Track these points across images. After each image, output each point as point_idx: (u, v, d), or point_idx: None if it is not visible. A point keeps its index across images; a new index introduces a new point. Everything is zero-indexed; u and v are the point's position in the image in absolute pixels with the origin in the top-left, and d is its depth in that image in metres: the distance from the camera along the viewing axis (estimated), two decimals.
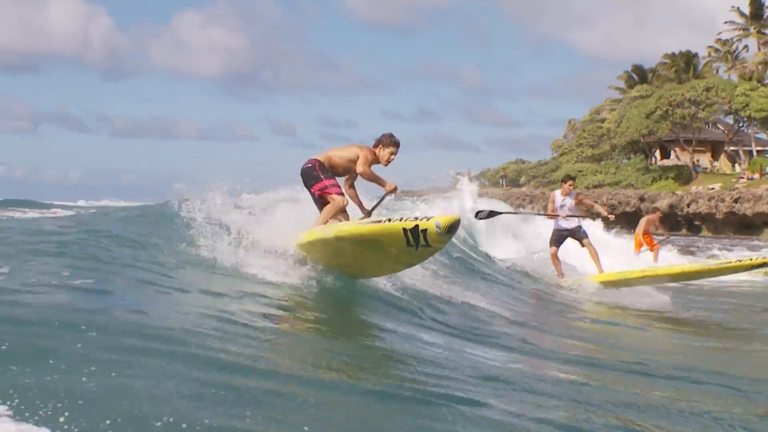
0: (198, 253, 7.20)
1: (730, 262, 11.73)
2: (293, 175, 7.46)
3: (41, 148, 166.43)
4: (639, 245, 16.60)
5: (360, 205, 7.63)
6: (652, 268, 12.86)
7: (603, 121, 64.11)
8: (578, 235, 12.37)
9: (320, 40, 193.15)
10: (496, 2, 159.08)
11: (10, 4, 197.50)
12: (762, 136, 57.55)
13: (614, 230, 18.95)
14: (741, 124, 54.70)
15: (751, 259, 11.34)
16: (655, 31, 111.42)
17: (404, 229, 5.62)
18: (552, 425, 3.66)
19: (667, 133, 55.14)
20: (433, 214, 5.63)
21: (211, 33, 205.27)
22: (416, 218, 5.63)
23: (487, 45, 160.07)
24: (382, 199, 7.47)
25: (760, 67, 55.31)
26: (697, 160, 56.85)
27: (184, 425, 2.99)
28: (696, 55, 62.06)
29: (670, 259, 16.53)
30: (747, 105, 49.74)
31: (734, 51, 59.45)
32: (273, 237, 7.30)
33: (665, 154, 61.23)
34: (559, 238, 12.50)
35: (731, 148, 57.37)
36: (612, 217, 12.57)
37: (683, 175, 53.83)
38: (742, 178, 49.19)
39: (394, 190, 7.19)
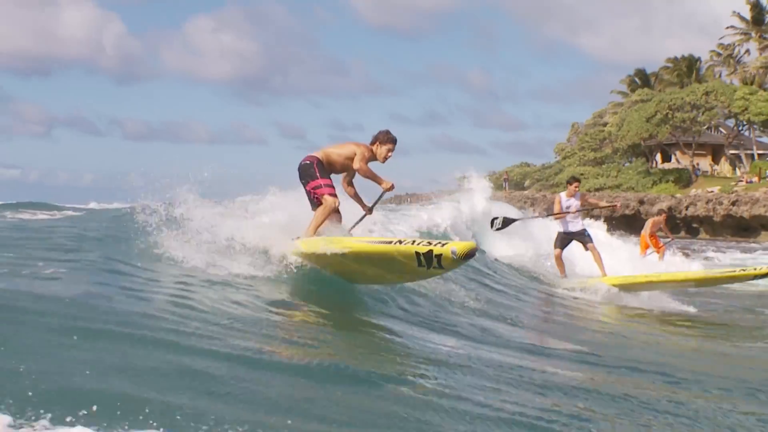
0: (172, 251, 7.08)
1: (734, 271, 12.12)
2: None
3: (55, 151, 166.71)
4: (645, 247, 16.44)
5: (360, 202, 7.64)
6: (658, 274, 12.99)
7: (605, 124, 64.17)
8: (583, 238, 12.49)
9: (330, 45, 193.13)
10: (503, 6, 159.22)
11: (25, 10, 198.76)
12: (764, 139, 57.71)
13: (617, 234, 19.08)
14: (741, 128, 54.89)
15: (755, 269, 11.72)
16: (661, 36, 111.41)
17: (417, 252, 5.63)
18: (552, 424, 3.69)
19: (667, 137, 55.28)
20: (447, 240, 5.68)
21: (222, 38, 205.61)
22: (429, 242, 5.66)
23: (494, 49, 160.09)
24: (381, 196, 7.52)
25: (761, 71, 55.45)
26: (698, 164, 56.98)
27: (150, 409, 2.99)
28: (698, 59, 62.19)
29: (676, 262, 16.61)
30: (746, 109, 49.88)
31: (736, 55, 59.57)
32: (266, 241, 7.28)
33: (666, 158, 61.39)
34: (563, 240, 12.63)
35: (732, 151, 57.49)
36: (617, 206, 13.55)
37: (683, 179, 53.93)
38: (741, 181, 49.36)
39: (391, 188, 7.21)
